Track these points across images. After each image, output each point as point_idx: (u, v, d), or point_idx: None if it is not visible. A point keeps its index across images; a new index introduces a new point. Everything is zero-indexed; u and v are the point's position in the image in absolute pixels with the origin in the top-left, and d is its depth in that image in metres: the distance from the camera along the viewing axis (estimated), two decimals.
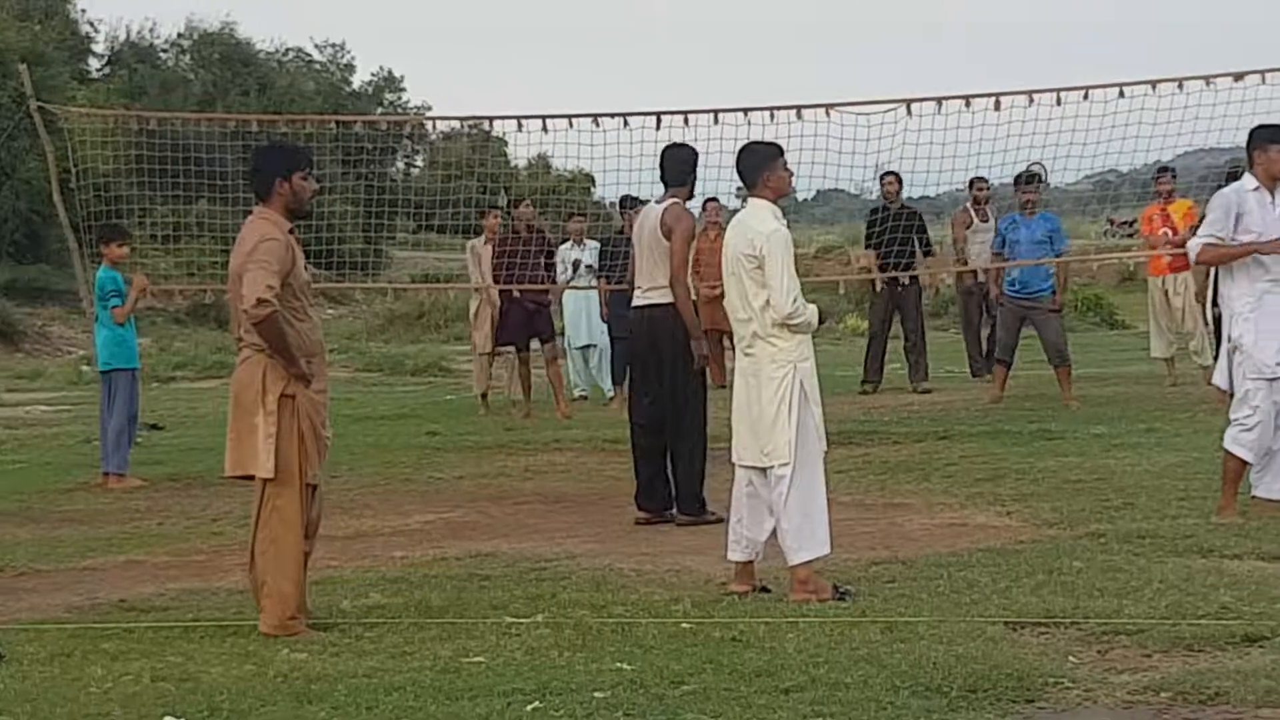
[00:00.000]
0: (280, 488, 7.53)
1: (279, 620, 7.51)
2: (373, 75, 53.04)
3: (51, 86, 30.55)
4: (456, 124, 32.73)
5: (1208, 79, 15.51)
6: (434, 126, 45.35)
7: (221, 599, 8.55)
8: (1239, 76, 15.32)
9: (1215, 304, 12.93)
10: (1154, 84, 15.63)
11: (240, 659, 7.07)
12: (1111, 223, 37.40)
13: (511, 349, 17.66)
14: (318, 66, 52.52)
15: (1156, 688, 6.13)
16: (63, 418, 19.38)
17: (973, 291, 18.73)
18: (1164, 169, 17.56)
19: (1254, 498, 9.65)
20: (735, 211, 9.85)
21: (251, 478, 7.60)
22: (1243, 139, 10.04)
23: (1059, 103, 15.77)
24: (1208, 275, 14.17)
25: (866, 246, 18.75)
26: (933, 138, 16.43)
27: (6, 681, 6.80)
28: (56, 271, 32.63)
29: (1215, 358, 11.06)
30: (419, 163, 49.01)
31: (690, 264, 10.77)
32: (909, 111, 15.85)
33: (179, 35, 48.69)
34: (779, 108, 15.74)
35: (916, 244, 18.25)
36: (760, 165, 8.23)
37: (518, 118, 16.72)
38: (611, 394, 18.47)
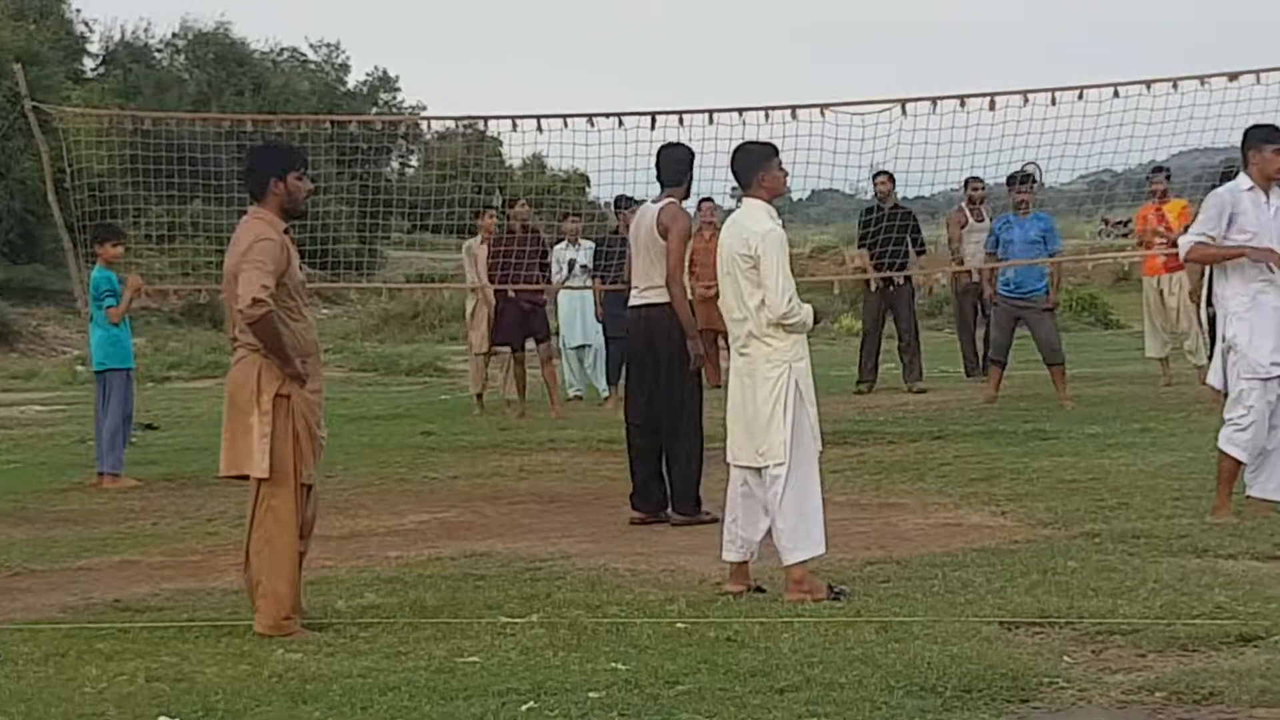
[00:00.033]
0: (275, 488, 7.53)
1: (274, 620, 7.51)
2: (368, 75, 53.12)
3: (46, 86, 30.56)
4: (451, 124, 32.71)
5: (1202, 79, 15.51)
6: (429, 126, 45.34)
7: (216, 599, 8.55)
8: (1234, 76, 15.33)
9: (1210, 304, 12.93)
10: (1149, 84, 15.63)
11: (235, 659, 7.07)
12: (1106, 222, 37.39)
13: (507, 349, 17.66)
14: (313, 66, 52.53)
15: (1151, 687, 6.13)
16: (57, 418, 19.37)
17: (968, 291, 18.74)
18: (1158, 169, 17.56)
19: (1249, 498, 9.65)
20: (730, 211, 9.84)
21: (246, 478, 7.60)
22: (1237, 139, 10.03)
23: (1054, 102, 15.77)
24: (1202, 275, 14.16)
25: (860, 246, 18.76)
26: (928, 137, 16.43)
27: (1, 682, 6.80)
28: (51, 271, 32.66)
29: (1210, 357, 11.05)
30: (414, 163, 49.07)
31: (686, 264, 10.77)
32: (904, 111, 15.85)
33: (174, 35, 48.81)
34: (774, 108, 15.74)
35: (910, 243, 18.26)
36: (755, 165, 8.23)
37: (512, 117, 16.72)
38: (606, 394, 18.48)
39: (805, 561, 7.89)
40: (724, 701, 6.04)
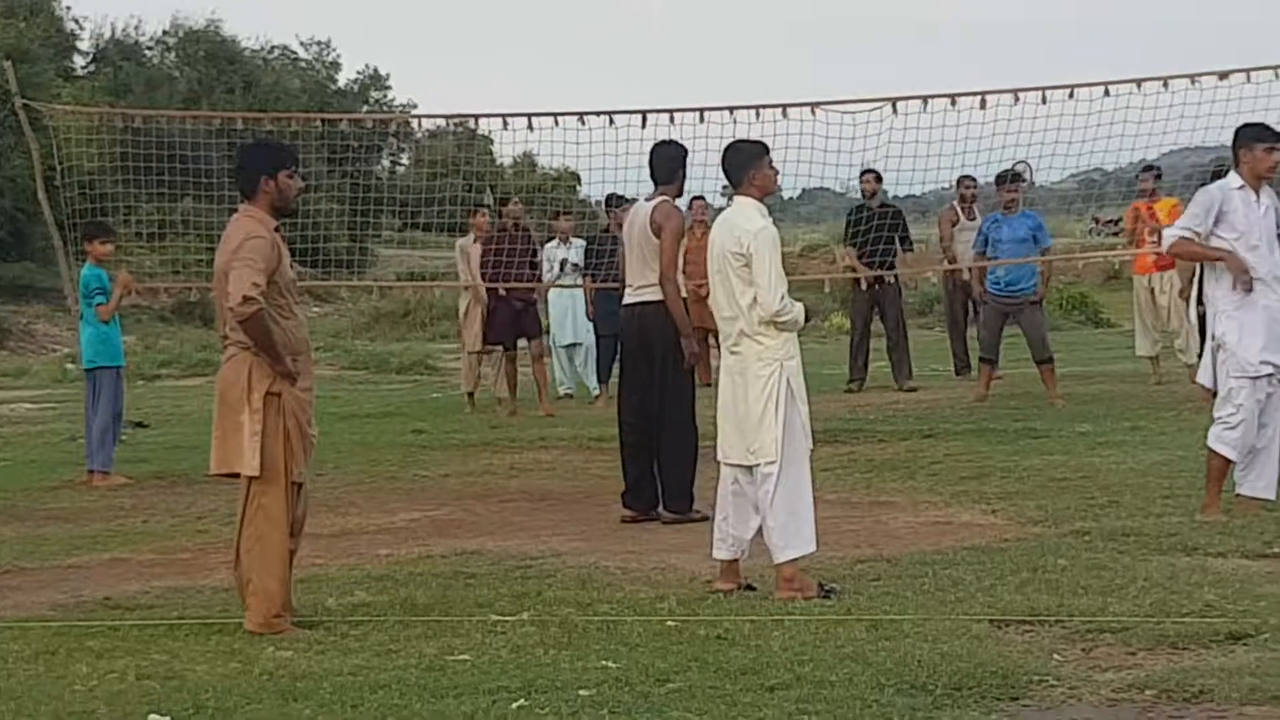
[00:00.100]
0: (265, 485, 7.52)
1: (264, 618, 7.51)
2: (358, 73, 53.13)
3: (36, 84, 30.53)
4: (442, 122, 32.81)
5: (1193, 78, 15.54)
6: (419, 124, 45.29)
7: (206, 597, 8.54)
8: (1224, 75, 15.36)
9: (1200, 302, 12.95)
10: (1139, 83, 15.66)
11: (225, 657, 7.07)
12: (1097, 221, 37.48)
13: (499, 348, 17.65)
14: (303, 64, 52.52)
15: (1141, 685, 6.14)
16: (47, 415, 19.35)
17: (959, 290, 18.74)
18: (1148, 167, 17.58)
19: (1238, 496, 9.66)
20: (721, 210, 9.85)
21: (237, 475, 7.59)
22: (1228, 138, 10.07)
23: (1044, 101, 15.81)
24: (1193, 274, 14.18)
25: (847, 244, 18.78)
26: (918, 136, 16.47)
27: None
28: (41, 269, 32.62)
29: (1200, 356, 11.07)
30: (404, 161, 49.08)
31: (680, 262, 10.78)
32: (895, 110, 15.88)
33: (164, 32, 48.74)
34: (765, 106, 15.77)
35: (897, 242, 18.27)
36: (746, 163, 8.23)
37: (503, 115, 16.73)
38: (597, 392, 18.48)
39: (796, 559, 7.89)
40: (714, 699, 6.04)
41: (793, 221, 48.11)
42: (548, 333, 19.13)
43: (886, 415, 15.65)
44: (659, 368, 10.73)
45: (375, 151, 45.09)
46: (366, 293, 35.33)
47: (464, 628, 7.42)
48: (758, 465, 7.91)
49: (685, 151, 10.99)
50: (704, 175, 14.29)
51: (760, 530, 7.98)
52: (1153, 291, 17.26)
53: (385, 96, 52.81)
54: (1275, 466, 9.67)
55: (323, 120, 23.51)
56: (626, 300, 10.96)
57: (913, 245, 19.00)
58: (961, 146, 16.73)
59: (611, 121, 15.96)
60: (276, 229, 7.69)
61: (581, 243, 18.68)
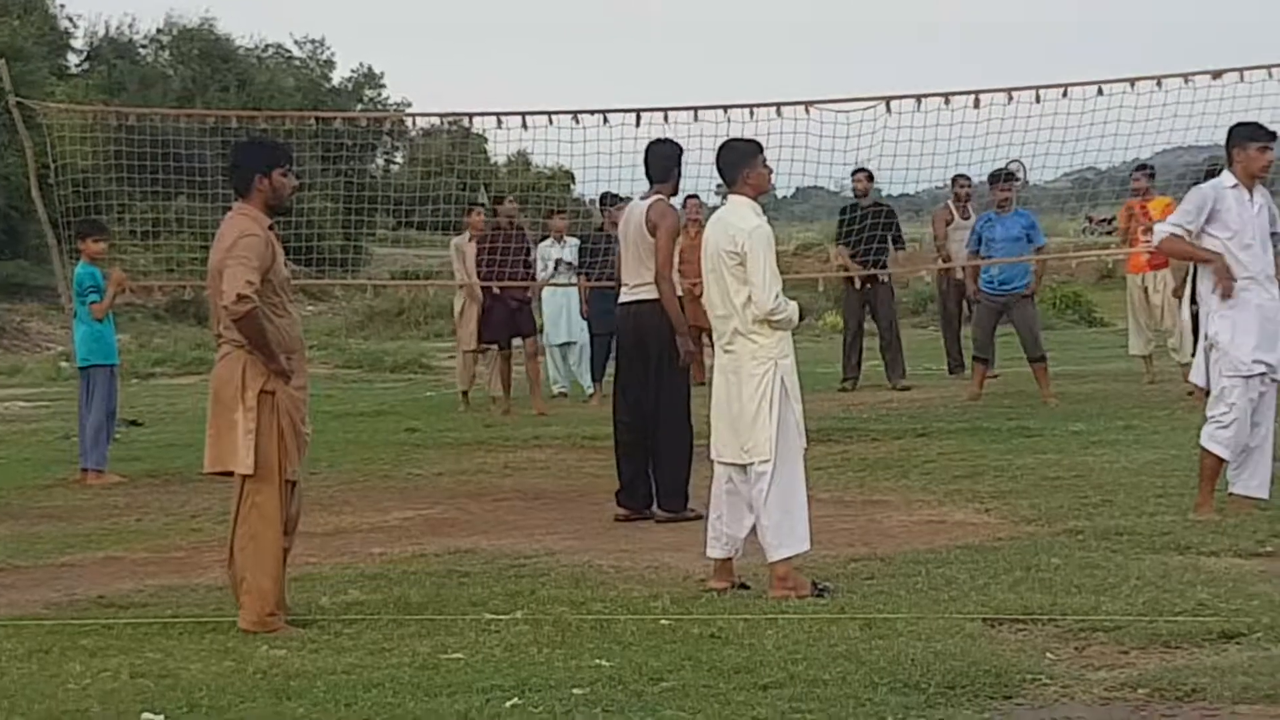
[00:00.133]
0: (259, 484, 7.53)
1: (258, 616, 7.51)
2: (352, 71, 53.15)
3: (30, 82, 30.49)
4: (436, 120, 32.76)
5: (1186, 77, 15.54)
6: (414, 123, 45.32)
7: (200, 595, 8.54)
8: (1217, 74, 15.36)
9: (1194, 301, 12.96)
10: (1133, 82, 15.66)
11: (219, 655, 7.07)
12: (1090, 220, 37.50)
13: (494, 346, 17.65)
14: (297, 63, 52.53)
15: (1134, 684, 6.14)
16: (41, 414, 19.34)
17: (953, 288, 18.75)
18: (1141, 166, 17.58)
19: (1231, 495, 9.68)
20: (715, 209, 9.85)
21: (231, 474, 7.59)
22: (1221, 137, 10.06)
23: (1038, 100, 15.80)
24: (1186, 273, 14.21)
25: (839, 243, 18.79)
26: (912, 135, 16.45)
27: None
28: (35, 267, 32.61)
29: (1193, 355, 11.08)
30: (399, 159, 49.11)
31: (675, 261, 10.78)
32: (888, 109, 15.86)
33: (158, 31, 48.79)
34: (759, 105, 15.75)
35: (889, 240, 18.27)
36: (740, 162, 8.24)
37: (497, 114, 16.69)
38: (591, 391, 18.48)
39: (790, 558, 7.90)
40: (708, 698, 6.04)
41: (787, 220, 48.15)
42: (542, 332, 19.14)
43: (880, 414, 15.66)
44: (655, 366, 10.73)
45: (369, 150, 45.07)
46: (360, 291, 35.36)
47: (458, 626, 7.43)
48: (752, 464, 7.92)
49: (681, 150, 10.99)
50: (698, 174, 14.30)
51: (754, 529, 7.98)
52: (1146, 290, 17.26)
53: (379, 95, 52.86)
54: (1268, 465, 9.70)
55: (317, 119, 23.43)
56: (623, 299, 10.96)
57: (905, 244, 18.99)
58: (955, 145, 16.75)
59: (606, 120, 15.95)
60: (271, 227, 7.69)
61: (576, 241, 18.67)
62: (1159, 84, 15.58)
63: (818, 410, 14.36)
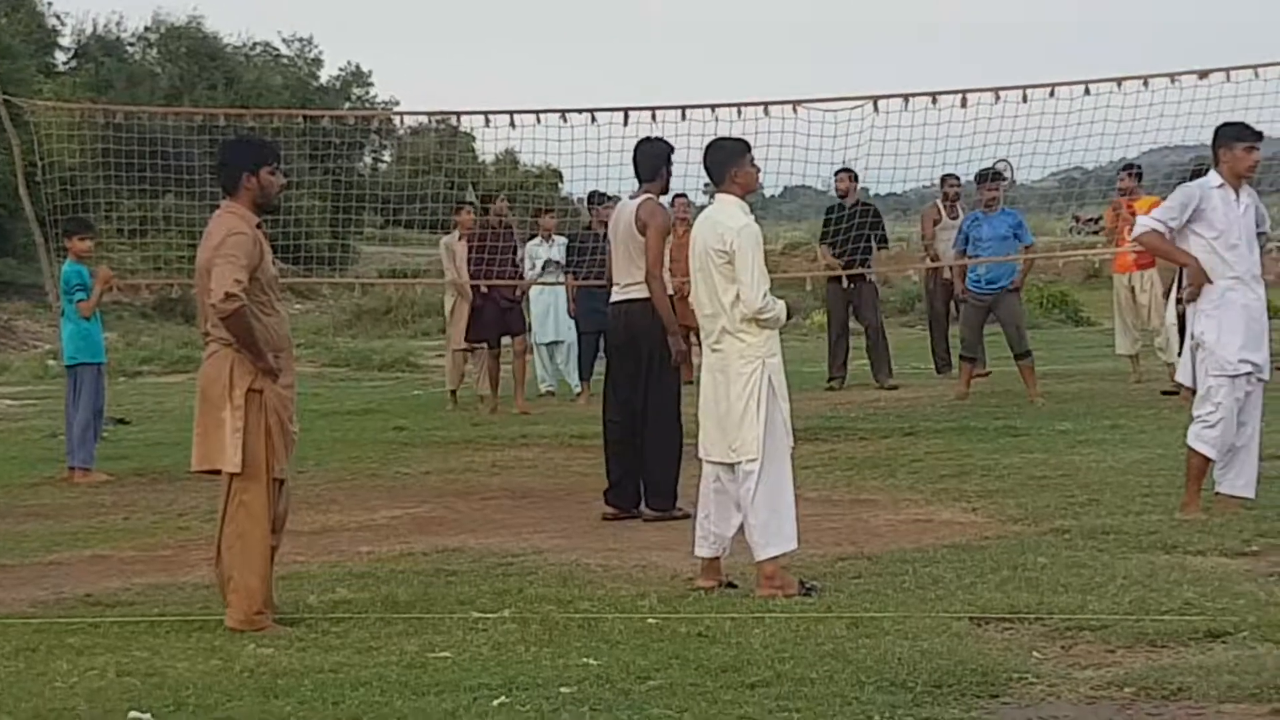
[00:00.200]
0: (247, 482, 7.52)
1: (245, 615, 7.50)
2: (340, 70, 53.06)
3: (17, 79, 30.48)
4: (424, 119, 32.67)
5: (1172, 77, 15.57)
6: (401, 122, 45.00)
7: (188, 594, 8.53)
8: (1204, 74, 15.39)
9: (1180, 301, 12.99)
10: (1119, 81, 15.68)
11: (206, 654, 7.06)
12: (1077, 220, 37.55)
13: (484, 345, 17.64)
14: (285, 61, 52.45)
15: (1120, 683, 6.16)
16: (28, 412, 19.29)
17: (941, 287, 18.76)
18: (1128, 166, 17.61)
19: (1217, 494, 9.69)
20: (703, 208, 9.86)
21: (218, 472, 7.59)
22: (1208, 137, 10.08)
23: (1025, 100, 15.81)
24: (1174, 273, 14.22)
25: (822, 243, 18.81)
26: (900, 134, 16.45)
27: None
28: (22, 265, 32.55)
29: (1180, 354, 11.10)
30: (386, 158, 49.06)
31: (665, 259, 10.78)
32: (876, 108, 15.88)
33: (146, 29, 48.70)
34: (746, 104, 15.75)
35: (873, 240, 18.28)
36: (728, 161, 8.25)
37: (485, 113, 16.68)
38: (579, 390, 18.48)
39: (777, 557, 7.91)
40: (695, 696, 6.05)
41: (774, 219, 48.13)
42: (529, 330, 19.13)
43: (867, 413, 15.67)
44: (645, 365, 10.73)
45: (357, 148, 45.00)
46: (348, 290, 35.31)
47: (445, 625, 7.43)
48: (739, 463, 7.93)
49: (670, 149, 10.98)
50: (686, 173, 14.30)
51: (741, 528, 7.99)
52: (1133, 290, 17.29)
53: (367, 93, 52.78)
54: (1254, 465, 9.71)
55: (305, 117, 23.40)
56: (613, 298, 10.96)
57: (888, 243, 18.99)
58: (943, 145, 16.78)
59: (594, 119, 15.94)
60: (258, 225, 7.68)
61: (564, 240, 18.67)
62: (1145, 84, 15.61)
63: (805, 409, 14.36)
